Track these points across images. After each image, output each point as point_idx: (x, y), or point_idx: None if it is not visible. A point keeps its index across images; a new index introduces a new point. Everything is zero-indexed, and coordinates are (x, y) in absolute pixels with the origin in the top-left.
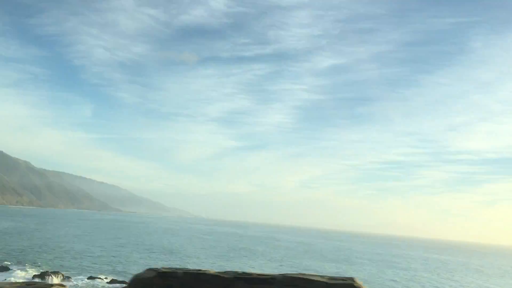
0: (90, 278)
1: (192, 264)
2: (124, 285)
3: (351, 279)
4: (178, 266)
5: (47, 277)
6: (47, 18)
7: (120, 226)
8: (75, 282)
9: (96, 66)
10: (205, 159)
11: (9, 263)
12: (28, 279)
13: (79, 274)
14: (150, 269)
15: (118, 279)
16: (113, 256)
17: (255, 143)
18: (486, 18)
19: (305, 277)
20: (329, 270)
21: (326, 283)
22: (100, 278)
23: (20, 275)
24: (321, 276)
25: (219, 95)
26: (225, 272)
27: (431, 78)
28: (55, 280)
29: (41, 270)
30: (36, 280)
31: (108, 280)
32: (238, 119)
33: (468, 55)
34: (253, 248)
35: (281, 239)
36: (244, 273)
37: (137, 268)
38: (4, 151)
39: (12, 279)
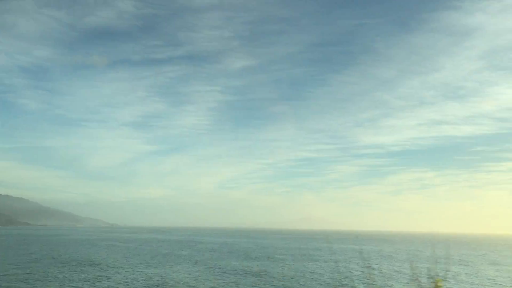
0: None
1: (116, 274)
2: None
3: None
4: (102, 281)
5: None
6: None
7: (31, 240)
8: None
9: None
10: (118, 165)
11: None
12: None
13: None
14: None
15: None
16: (29, 273)
17: (171, 146)
18: (387, 20)
19: None
20: (256, 269)
21: None
22: None
23: None
24: None
25: (131, 99)
26: None
27: (338, 77)
28: None
29: None
30: None
31: None
32: (152, 123)
33: (371, 55)
34: (177, 252)
35: (204, 241)
36: None
37: (59, 284)
38: None
39: None
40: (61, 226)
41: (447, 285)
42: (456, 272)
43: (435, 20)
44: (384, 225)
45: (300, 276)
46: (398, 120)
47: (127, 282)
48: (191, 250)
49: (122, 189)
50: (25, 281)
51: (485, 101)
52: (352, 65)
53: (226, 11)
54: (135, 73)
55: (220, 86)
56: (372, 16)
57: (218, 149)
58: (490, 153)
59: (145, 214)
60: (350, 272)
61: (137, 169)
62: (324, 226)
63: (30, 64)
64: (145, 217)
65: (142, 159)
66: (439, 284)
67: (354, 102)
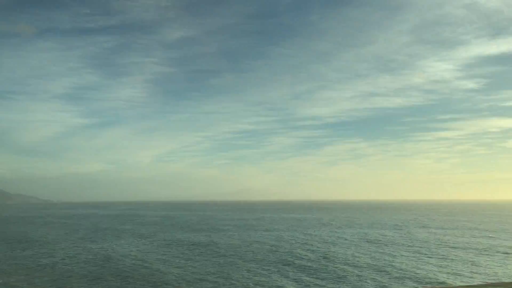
0: None
1: (59, 250)
2: None
3: None
4: (45, 258)
5: None
6: None
7: None
8: None
9: None
10: (50, 139)
11: None
12: None
13: None
14: None
15: None
16: None
17: (106, 119)
18: None
19: None
20: (201, 239)
21: None
22: None
23: None
24: None
25: (62, 70)
26: None
27: (276, 49)
28: None
29: None
30: None
31: None
32: (85, 95)
33: (308, 27)
34: (119, 227)
35: (145, 215)
36: None
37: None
38: None
39: None
40: None
41: (384, 248)
42: (392, 236)
43: None
44: (321, 194)
45: (245, 245)
46: (334, 92)
47: (71, 257)
48: (133, 224)
49: (55, 164)
50: None
51: (415, 73)
52: (289, 37)
53: None
54: (66, 43)
55: (157, 58)
56: None
57: (155, 122)
58: (418, 123)
59: (81, 189)
60: (292, 239)
61: (71, 143)
62: (263, 197)
63: None
64: (81, 193)
65: (76, 133)
66: None
67: (292, 75)
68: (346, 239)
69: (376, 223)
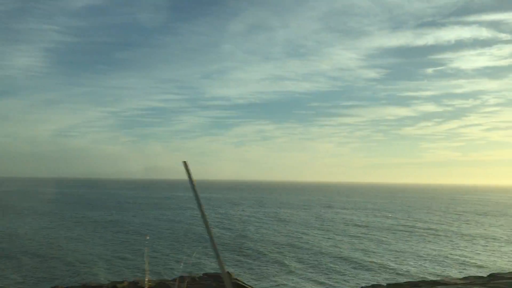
0: None
1: None
2: None
3: None
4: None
5: None
6: None
7: None
8: None
9: None
10: None
11: None
12: None
13: None
14: None
15: None
16: None
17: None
18: None
19: None
20: (107, 218)
21: None
22: None
23: None
24: None
25: None
26: None
27: (187, 26)
28: None
29: None
30: None
31: None
32: None
33: (220, 6)
34: (17, 204)
35: (45, 192)
36: None
37: None
38: None
39: None
40: None
41: (297, 226)
42: (301, 215)
43: None
44: (229, 174)
45: (154, 225)
46: (244, 74)
47: None
48: (34, 201)
49: None
50: None
51: (322, 60)
52: (201, 15)
53: None
54: None
55: (59, 26)
56: None
57: (56, 94)
58: (323, 108)
59: None
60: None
61: None
62: (171, 176)
63: None
64: None
65: None
66: None
67: (203, 53)
68: (259, 218)
69: (285, 203)
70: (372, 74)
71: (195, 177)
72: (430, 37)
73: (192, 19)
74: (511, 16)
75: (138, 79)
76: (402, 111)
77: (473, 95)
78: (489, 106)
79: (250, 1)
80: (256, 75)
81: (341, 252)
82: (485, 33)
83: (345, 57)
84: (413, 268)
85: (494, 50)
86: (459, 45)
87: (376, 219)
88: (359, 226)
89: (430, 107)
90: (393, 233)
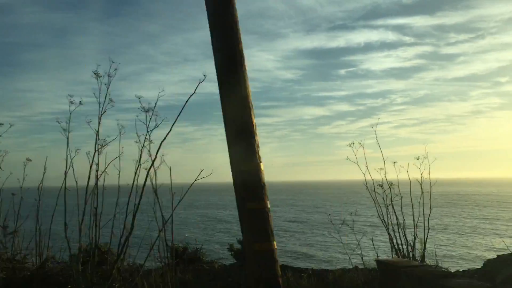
0: None
1: None
2: None
3: None
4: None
5: None
6: None
7: None
8: None
9: None
10: None
11: None
12: None
13: None
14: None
15: None
16: None
17: None
18: None
19: None
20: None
21: None
22: None
23: None
24: None
25: None
26: None
27: (101, 27)
28: None
29: None
30: None
31: None
32: None
33: (134, 7)
34: None
35: None
36: None
37: None
38: None
39: None
40: None
41: (226, 224)
42: (231, 214)
43: None
44: (142, 178)
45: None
46: (162, 76)
47: None
48: None
49: None
50: None
51: None
52: (115, 16)
53: None
54: None
55: None
56: None
57: None
58: None
59: None
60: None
61: None
62: (85, 182)
63: None
64: None
65: None
66: None
67: (119, 55)
68: (188, 219)
69: (212, 203)
70: (288, 75)
71: (113, 182)
72: (341, 40)
73: (105, 19)
74: (414, 21)
75: (50, 81)
76: (318, 111)
77: (382, 94)
78: (396, 105)
79: (165, 1)
80: (174, 77)
81: (284, 247)
82: (391, 36)
83: (263, 59)
84: None
85: (400, 52)
86: (368, 47)
87: (308, 215)
88: (292, 221)
89: (344, 107)
90: (328, 228)
